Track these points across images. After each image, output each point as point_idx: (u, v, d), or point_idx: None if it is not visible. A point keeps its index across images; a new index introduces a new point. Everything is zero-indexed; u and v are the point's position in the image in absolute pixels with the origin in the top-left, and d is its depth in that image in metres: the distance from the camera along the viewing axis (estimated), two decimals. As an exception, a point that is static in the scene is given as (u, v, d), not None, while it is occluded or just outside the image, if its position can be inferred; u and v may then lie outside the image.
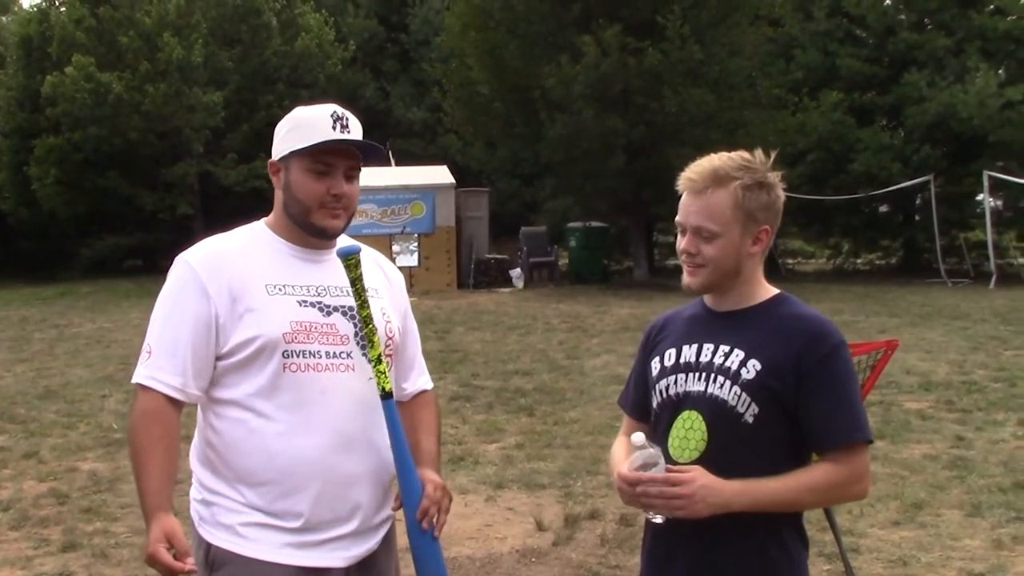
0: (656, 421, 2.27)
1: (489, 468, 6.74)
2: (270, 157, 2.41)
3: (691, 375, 2.20)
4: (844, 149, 22.94)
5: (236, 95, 26.31)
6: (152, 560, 2.14)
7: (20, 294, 21.77)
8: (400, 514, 2.39)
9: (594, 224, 23.18)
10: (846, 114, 23.02)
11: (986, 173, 20.50)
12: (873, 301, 16.94)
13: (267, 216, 2.45)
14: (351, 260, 2.30)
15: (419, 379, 2.58)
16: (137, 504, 2.34)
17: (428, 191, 20.75)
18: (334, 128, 2.30)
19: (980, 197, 22.67)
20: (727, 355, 2.17)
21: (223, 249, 2.36)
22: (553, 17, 20.41)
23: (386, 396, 2.31)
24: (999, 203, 24.19)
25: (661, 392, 2.25)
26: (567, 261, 23.73)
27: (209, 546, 2.28)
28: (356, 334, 2.34)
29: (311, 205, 2.32)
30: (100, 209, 26.36)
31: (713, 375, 2.16)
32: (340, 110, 2.33)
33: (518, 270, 21.43)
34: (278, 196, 2.39)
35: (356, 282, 2.30)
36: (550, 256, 22.20)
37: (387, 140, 26.54)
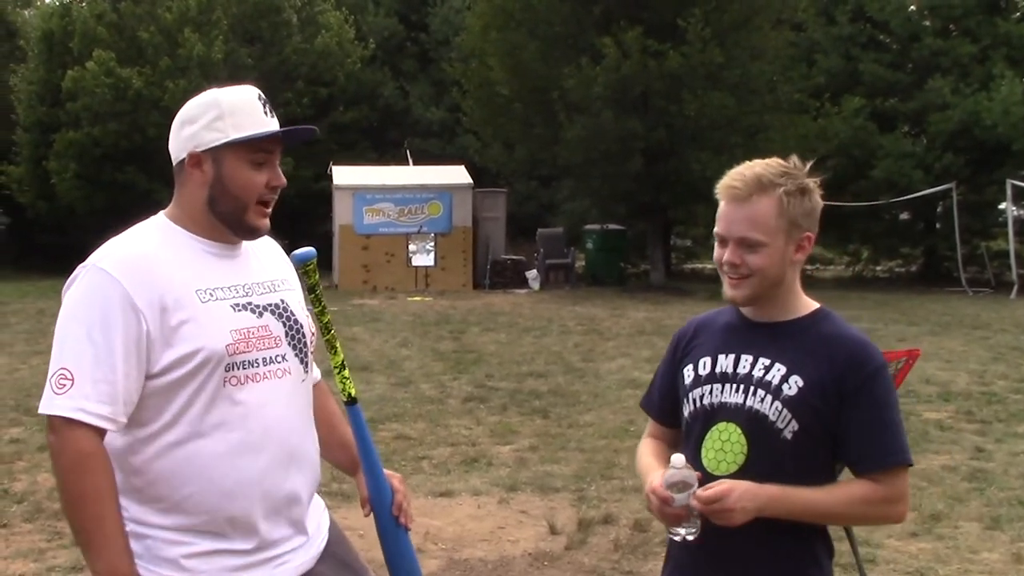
0: (687, 430, 2.22)
1: (502, 470, 6.71)
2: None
3: (727, 386, 2.14)
4: (865, 155, 22.75)
5: (255, 92, 26.33)
6: None
7: (37, 287, 21.85)
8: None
9: (611, 227, 23.11)
10: (868, 120, 22.81)
11: (1009, 182, 20.30)
12: (892, 309, 16.80)
13: (166, 210, 2.21)
14: (309, 266, 2.19)
15: (315, 369, 2.42)
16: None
17: (445, 191, 20.74)
18: (266, 114, 2.14)
19: (1003, 206, 22.46)
20: (767, 369, 2.11)
21: (141, 252, 2.08)
22: (574, 18, 20.34)
23: (351, 402, 2.24)
24: (1022, 212, 23.99)
25: (695, 401, 2.19)
26: (584, 263, 23.64)
27: None
28: (287, 333, 2.18)
29: (248, 201, 2.12)
30: (118, 204, 26.35)
31: (753, 388, 2.11)
32: (260, 92, 2.17)
33: (534, 271, 21.38)
34: (194, 191, 2.14)
35: (315, 288, 2.20)
36: (567, 258, 22.12)
37: (405, 139, 26.56)
